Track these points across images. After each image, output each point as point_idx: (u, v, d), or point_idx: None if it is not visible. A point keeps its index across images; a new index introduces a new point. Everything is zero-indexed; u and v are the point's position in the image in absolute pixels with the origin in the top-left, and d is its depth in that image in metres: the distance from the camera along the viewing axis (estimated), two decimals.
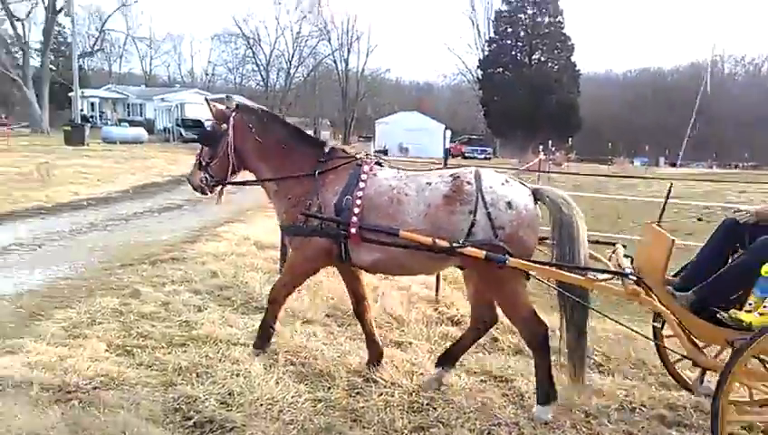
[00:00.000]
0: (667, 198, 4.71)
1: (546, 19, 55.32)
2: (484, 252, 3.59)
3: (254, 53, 60.02)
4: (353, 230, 3.83)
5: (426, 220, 3.80)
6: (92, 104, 48.98)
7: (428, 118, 47.46)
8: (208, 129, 4.66)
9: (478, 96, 58.04)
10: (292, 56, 58.51)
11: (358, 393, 3.97)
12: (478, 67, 57.82)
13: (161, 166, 21.12)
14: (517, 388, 4.19)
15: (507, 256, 3.59)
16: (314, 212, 3.95)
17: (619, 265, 3.92)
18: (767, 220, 3.65)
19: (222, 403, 3.65)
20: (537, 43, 55.29)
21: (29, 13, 40.54)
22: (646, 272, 3.76)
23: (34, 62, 42.62)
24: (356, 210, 3.86)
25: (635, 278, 3.64)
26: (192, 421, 3.46)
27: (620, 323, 4.10)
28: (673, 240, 3.66)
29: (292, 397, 3.78)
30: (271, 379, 3.95)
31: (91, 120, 41.30)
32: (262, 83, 59.53)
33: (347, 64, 57.25)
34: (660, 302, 3.59)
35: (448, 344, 4.58)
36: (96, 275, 6.62)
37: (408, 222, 3.81)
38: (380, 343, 4.53)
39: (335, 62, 57.61)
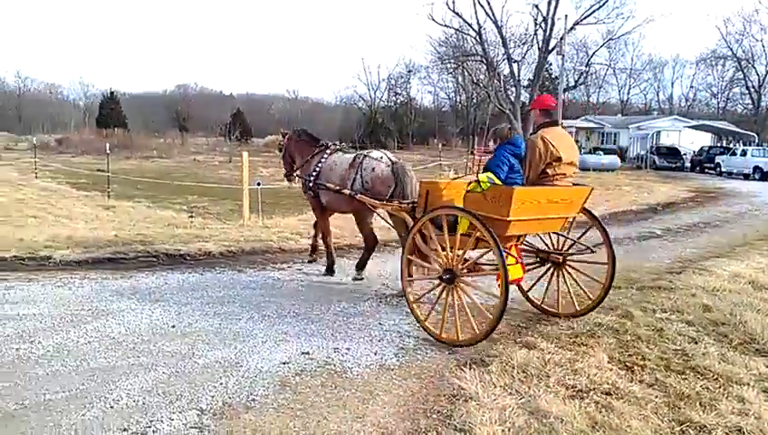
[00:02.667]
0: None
1: None
2: (348, 190, 6.93)
3: (744, 74, 54.49)
4: (311, 184, 7.45)
5: (340, 178, 7.13)
6: (569, 134, 52.22)
7: None
8: (280, 145, 8.82)
9: None
10: None
11: None
12: None
13: (633, 194, 21.10)
14: None
15: (358, 193, 6.88)
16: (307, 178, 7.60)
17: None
18: None
19: None
20: None
21: (524, 54, 45.87)
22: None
23: (523, 97, 47.87)
24: (314, 173, 7.43)
25: (405, 205, 6.56)
26: None
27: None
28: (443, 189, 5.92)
29: None
30: None
31: None
32: (751, 107, 53.51)
33: None
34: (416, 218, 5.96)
35: None
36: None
37: (334, 180, 7.19)
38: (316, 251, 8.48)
39: None
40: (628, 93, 69.54)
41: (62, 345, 4.99)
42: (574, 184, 5.78)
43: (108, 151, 18.74)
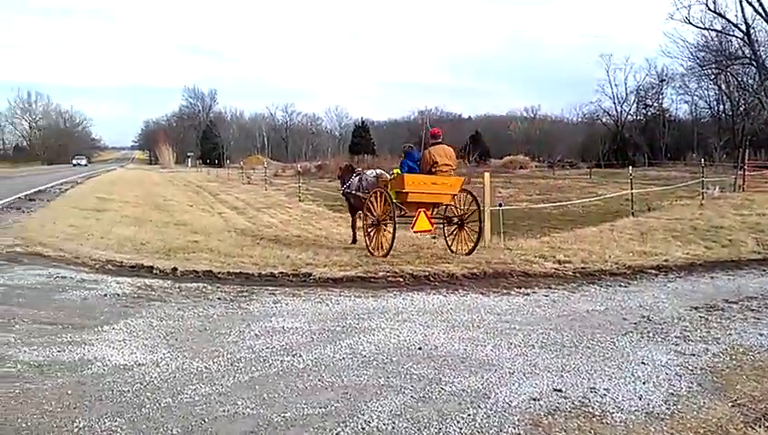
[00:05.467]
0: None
1: None
2: (352, 191, 12.22)
3: None
4: (345, 191, 12.72)
5: (355, 186, 12.13)
6: None
7: None
8: (339, 175, 15.29)
9: None
10: None
11: None
12: None
13: None
14: None
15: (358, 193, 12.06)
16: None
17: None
18: None
19: None
20: None
21: None
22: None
23: None
24: (348, 185, 12.50)
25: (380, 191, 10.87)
26: None
27: None
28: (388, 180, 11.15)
29: None
30: None
31: None
32: None
33: None
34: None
35: None
36: None
37: (353, 188, 12.19)
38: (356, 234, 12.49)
39: None
40: None
41: (319, 360, 5.25)
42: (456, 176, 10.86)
43: None
